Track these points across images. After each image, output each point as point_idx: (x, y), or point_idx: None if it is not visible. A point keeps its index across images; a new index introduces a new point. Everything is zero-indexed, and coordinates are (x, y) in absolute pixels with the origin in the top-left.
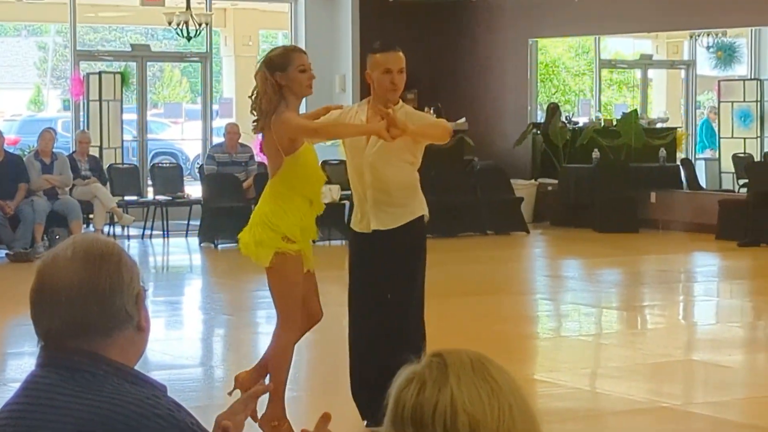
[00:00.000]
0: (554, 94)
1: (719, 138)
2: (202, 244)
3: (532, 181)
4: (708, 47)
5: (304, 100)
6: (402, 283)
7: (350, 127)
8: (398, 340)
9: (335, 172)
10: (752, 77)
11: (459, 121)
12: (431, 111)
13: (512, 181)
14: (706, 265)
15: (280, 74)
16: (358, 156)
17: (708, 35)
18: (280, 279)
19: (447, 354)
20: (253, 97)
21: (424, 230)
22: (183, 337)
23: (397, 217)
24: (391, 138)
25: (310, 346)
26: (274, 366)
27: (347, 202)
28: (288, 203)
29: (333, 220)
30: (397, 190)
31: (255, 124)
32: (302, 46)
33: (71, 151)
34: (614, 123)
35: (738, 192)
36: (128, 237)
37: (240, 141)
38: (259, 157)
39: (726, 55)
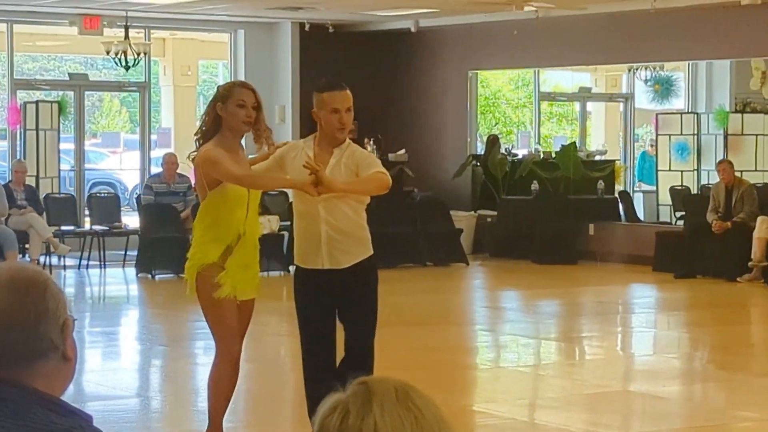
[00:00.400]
0: (495, 125)
1: (657, 171)
2: (139, 275)
3: (472, 212)
4: (646, 81)
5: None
6: (357, 318)
7: (276, 180)
8: (354, 371)
9: (274, 203)
10: (689, 111)
11: (399, 153)
12: (371, 142)
13: (452, 212)
14: (644, 296)
15: (221, 106)
16: (308, 199)
17: (646, 69)
18: (204, 302)
19: (372, 382)
20: (199, 125)
21: (376, 268)
22: (119, 368)
23: (352, 256)
24: (316, 193)
25: (248, 377)
26: (210, 393)
27: (286, 233)
28: (211, 233)
29: (272, 251)
30: (351, 227)
31: (195, 153)
32: (241, 76)
33: (7, 181)
34: (553, 155)
35: (675, 224)
36: (65, 267)
37: (178, 171)
38: None
39: (663, 88)
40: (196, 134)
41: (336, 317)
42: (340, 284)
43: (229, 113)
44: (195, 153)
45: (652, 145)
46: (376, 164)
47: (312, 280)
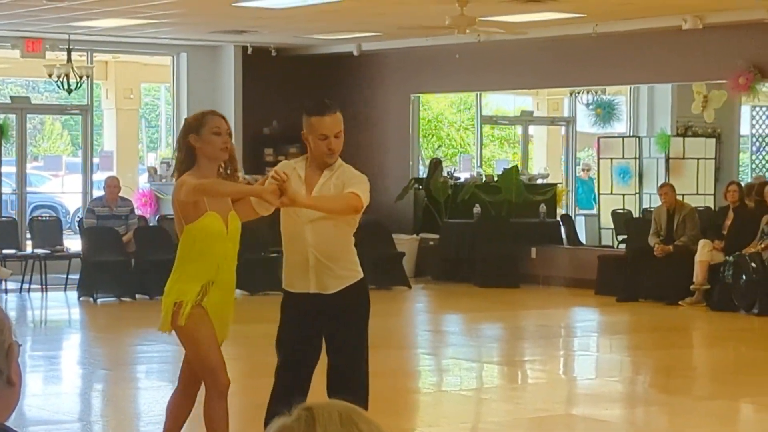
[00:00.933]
0: (437, 149)
1: (598, 194)
2: (81, 299)
3: (414, 235)
4: (587, 104)
5: None
6: (344, 344)
7: (237, 186)
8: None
9: None
10: (631, 134)
11: None
12: None
13: (394, 235)
14: (586, 320)
15: (194, 136)
16: (294, 215)
17: (587, 93)
18: (185, 340)
19: (316, 408)
20: (174, 162)
21: (367, 291)
22: (61, 392)
23: (340, 281)
24: (279, 203)
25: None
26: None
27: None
28: (189, 269)
29: None
30: (340, 251)
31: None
32: (184, 99)
33: None
34: (495, 179)
35: (617, 248)
36: (6, 291)
37: (120, 195)
38: (140, 211)
39: (605, 112)
40: (172, 174)
41: (319, 345)
42: (328, 309)
43: (205, 142)
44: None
45: (584, 170)
46: (357, 185)
47: (299, 305)
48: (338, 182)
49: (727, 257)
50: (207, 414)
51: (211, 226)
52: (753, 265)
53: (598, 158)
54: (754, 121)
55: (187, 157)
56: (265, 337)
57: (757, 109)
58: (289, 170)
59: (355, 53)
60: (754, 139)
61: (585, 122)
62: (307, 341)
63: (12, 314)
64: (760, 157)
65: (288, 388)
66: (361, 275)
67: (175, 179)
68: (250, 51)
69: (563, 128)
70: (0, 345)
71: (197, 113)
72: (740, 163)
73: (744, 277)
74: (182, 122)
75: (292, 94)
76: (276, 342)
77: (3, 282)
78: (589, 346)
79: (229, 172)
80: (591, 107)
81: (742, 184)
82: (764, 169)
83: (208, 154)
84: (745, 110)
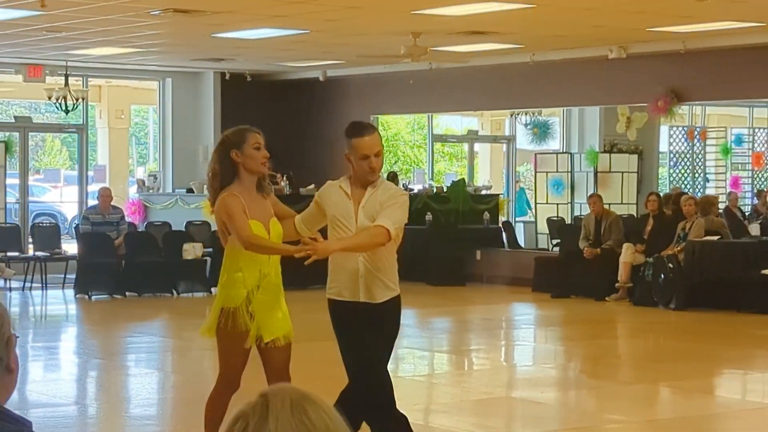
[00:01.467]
0: (395, 163)
1: (536, 204)
2: (77, 296)
3: None
4: (526, 125)
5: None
6: (385, 352)
7: (276, 248)
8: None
9: (198, 231)
10: (564, 151)
11: (309, 188)
12: (284, 178)
13: None
14: (524, 314)
15: (236, 152)
16: (345, 229)
17: (526, 114)
18: (219, 337)
19: (271, 395)
20: (209, 176)
21: (401, 308)
22: (59, 379)
23: (387, 292)
24: (311, 260)
25: (174, 387)
26: (205, 418)
27: (209, 258)
28: (235, 277)
29: (196, 274)
30: (386, 263)
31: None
32: (169, 120)
33: None
34: (445, 190)
35: (552, 250)
36: (10, 289)
37: (112, 203)
38: (129, 218)
39: (541, 131)
40: (212, 185)
41: (372, 346)
42: (373, 318)
43: (247, 156)
44: (207, 199)
45: (517, 181)
46: (388, 212)
47: (349, 313)
48: (382, 198)
49: (647, 259)
50: (209, 405)
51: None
52: (670, 265)
53: (535, 172)
54: (671, 140)
55: (228, 171)
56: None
57: (674, 128)
58: (335, 189)
59: (321, 79)
60: (671, 155)
61: (523, 140)
62: (373, 341)
63: (15, 310)
64: (677, 171)
65: (381, 384)
66: (399, 292)
67: (212, 192)
68: (227, 77)
69: (504, 145)
70: (0, 336)
71: (236, 129)
72: (659, 176)
73: (662, 276)
74: (220, 138)
75: (265, 115)
76: (344, 350)
77: (7, 281)
78: (526, 336)
79: (267, 183)
80: (529, 127)
81: (661, 194)
82: (680, 182)
83: (250, 168)
84: (664, 130)
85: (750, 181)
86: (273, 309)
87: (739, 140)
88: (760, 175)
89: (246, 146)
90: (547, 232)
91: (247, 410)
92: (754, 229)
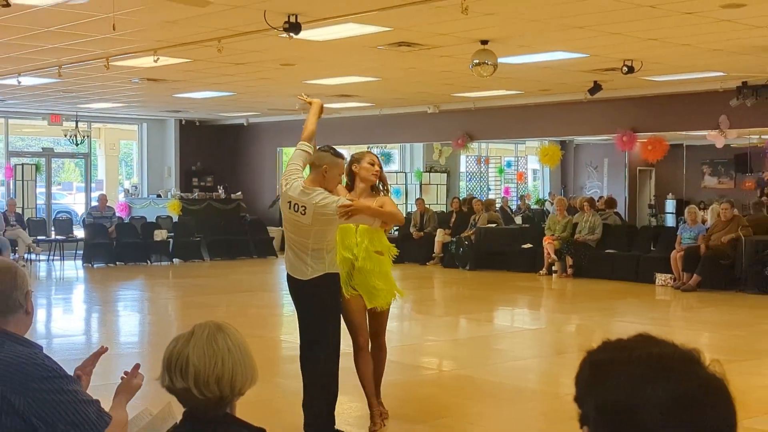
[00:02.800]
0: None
1: None
2: (84, 264)
3: (280, 227)
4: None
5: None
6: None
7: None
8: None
9: (164, 222)
10: (400, 171)
11: (237, 194)
12: (222, 188)
13: (268, 227)
14: None
15: (357, 165)
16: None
17: (377, 147)
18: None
19: (197, 326)
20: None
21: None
22: (71, 318)
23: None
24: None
25: (149, 333)
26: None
27: (171, 240)
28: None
29: (163, 250)
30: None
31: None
32: (145, 150)
33: (4, 210)
34: None
35: (393, 233)
36: (39, 260)
37: (107, 204)
38: (119, 214)
39: (386, 158)
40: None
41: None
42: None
43: (363, 169)
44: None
45: None
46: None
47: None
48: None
49: (452, 238)
50: (356, 363)
51: (342, 227)
52: (466, 242)
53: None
54: (467, 163)
55: (348, 179)
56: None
57: (469, 157)
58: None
59: (245, 124)
60: (467, 174)
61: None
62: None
63: (43, 274)
64: (471, 183)
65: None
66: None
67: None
68: (183, 122)
69: None
70: (22, 290)
71: (360, 152)
72: (460, 187)
73: (462, 249)
74: (349, 157)
75: (208, 148)
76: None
77: (38, 255)
78: None
79: (382, 187)
80: (379, 154)
81: (460, 198)
82: (472, 190)
83: (364, 178)
84: (463, 158)
85: (515, 190)
86: (368, 287)
87: (509, 164)
88: (521, 187)
89: (363, 162)
90: None
91: (180, 335)
92: (519, 219)
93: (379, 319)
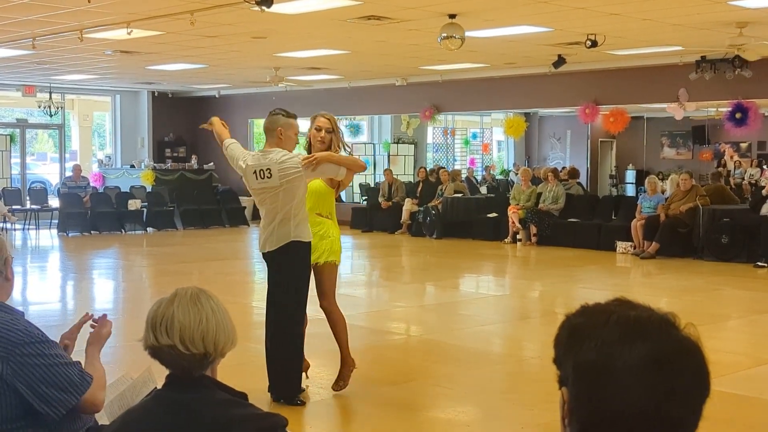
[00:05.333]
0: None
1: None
2: (59, 234)
3: (251, 197)
4: (346, 126)
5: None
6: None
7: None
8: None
9: (138, 192)
10: (369, 142)
11: (209, 165)
12: (194, 159)
13: (240, 197)
14: (346, 242)
15: (309, 129)
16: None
17: (346, 119)
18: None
19: (180, 289)
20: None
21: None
22: (47, 285)
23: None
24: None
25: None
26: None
27: (145, 209)
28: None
29: (137, 219)
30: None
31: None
32: (118, 121)
33: None
34: None
35: (362, 203)
36: (14, 229)
37: (81, 175)
38: (93, 184)
39: (355, 129)
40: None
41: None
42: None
43: (311, 135)
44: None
45: None
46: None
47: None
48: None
49: (419, 207)
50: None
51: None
52: (433, 212)
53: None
54: (434, 135)
55: (307, 143)
56: None
57: (436, 128)
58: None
59: (216, 96)
60: (434, 145)
61: (345, 133)
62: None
63: (18, 243)
64: (437, 154)
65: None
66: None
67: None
68: (156, 94)
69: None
70: (1, 257)
71: (313, 115)
72: (426, 158)
73: (429, 218)
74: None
75: (181, 120)
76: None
77: (13, 224)
78: (347, 256)
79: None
80: (348, 126)
81: (427, 168)
82: (439, 161)
83: (312, 144)
84: (430, 129)
85: (481, 161)
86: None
87: (474, 136)
88: (486, 158)
89: (311, 126)
90: (359, 191)
91: (162, 298)
92: (483, 189)
93: (318, 277)
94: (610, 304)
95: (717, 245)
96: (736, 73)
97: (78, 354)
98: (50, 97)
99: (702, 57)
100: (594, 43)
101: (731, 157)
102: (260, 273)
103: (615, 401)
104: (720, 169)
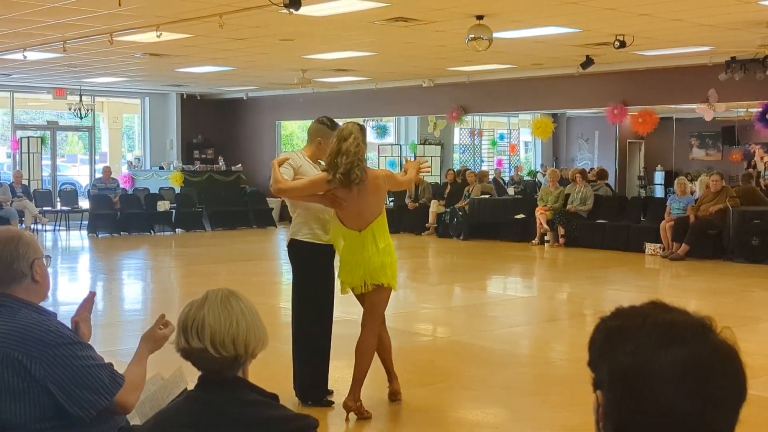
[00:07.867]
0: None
1: None
2: (89, 235)
3: (279, 198)
4: (373, 126)
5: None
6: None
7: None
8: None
9: (167, 193)
10: (395, 143)
11: (238, 166)
12: (222, 160)
13: (267, 199)
14: None
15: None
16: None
17: (373, 120)
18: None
19: (211, 291)
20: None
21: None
22: (76, 287)
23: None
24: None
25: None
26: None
27: (174, 210)
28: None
29: (166, 220)
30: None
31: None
32: (148, 125)
33: (11, 181)
34: None
35: (388, 204)
36: (45, 230)
37: (111, 176)
38: (123, 185)
39: (382, 130)
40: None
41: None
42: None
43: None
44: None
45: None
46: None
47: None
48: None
49: (446, 209)
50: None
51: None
52: (460, 213)
53: (378, 156)
54: (461, 136)
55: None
56: None
57: (463, 129)
58: (301, 159)
59: (245, 98)
60: (461, 146)
61: (371, 135)
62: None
63: (49, 244)
64: (464, 155)
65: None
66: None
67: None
68: (185, 96)
69: None
70: (27, 259)
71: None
72: (453, 159)
73: (455, 219)
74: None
75: (209, 121)
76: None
77: (44, 225)
78: None
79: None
80: (374, 127)
81: (454, 169)
82: (466, 162)
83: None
84: (457, 130)
85: (509, 162)
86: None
87: (501, 137)
88: (514, 159)
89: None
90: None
91: (193, 300)
92: (511, 191)
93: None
94: (645, 306)
95: (747, 247)
96: (766, 73)
97: (121, 342)
98: (80, 100)
99: (732, 57)
100: (623, 44)
101: (761, 158)
102: (287, 274)
103: (650, 405)
104: (750, 170)
